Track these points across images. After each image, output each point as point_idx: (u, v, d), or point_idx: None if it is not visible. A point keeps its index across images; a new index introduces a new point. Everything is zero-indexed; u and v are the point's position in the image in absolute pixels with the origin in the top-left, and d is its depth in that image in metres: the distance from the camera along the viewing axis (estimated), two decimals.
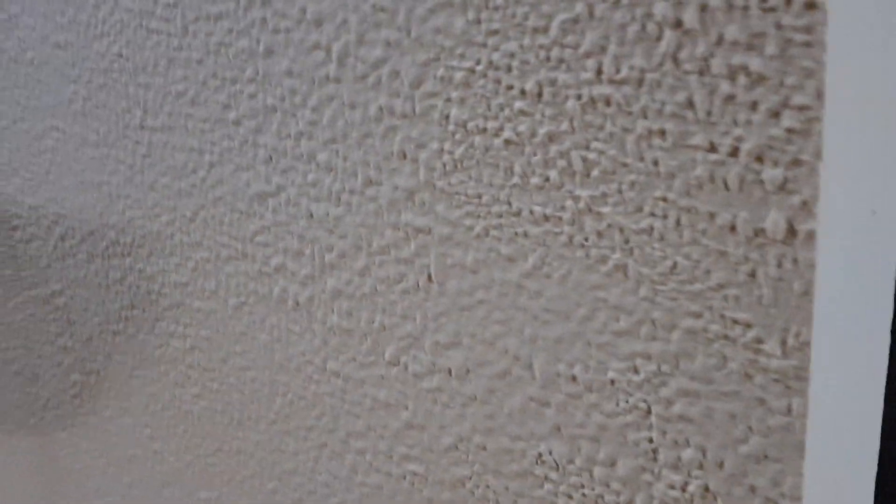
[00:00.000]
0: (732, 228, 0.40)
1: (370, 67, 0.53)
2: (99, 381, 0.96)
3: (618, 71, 0.41)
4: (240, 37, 0.60)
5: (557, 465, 0.52)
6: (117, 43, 0.70)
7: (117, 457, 0.93)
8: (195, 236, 0.72)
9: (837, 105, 0.35)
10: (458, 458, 0.58)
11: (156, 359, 0.85)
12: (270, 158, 0.62)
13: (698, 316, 0.43)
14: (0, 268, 1.04)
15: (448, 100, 0.49)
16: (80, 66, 0.76)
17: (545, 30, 0.43)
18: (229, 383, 0.77)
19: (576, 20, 0.42)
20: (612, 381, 0.48)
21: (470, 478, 0.58)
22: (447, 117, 0.50)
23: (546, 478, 0.53)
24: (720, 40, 0.38)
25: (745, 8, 0.36)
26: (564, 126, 0.44)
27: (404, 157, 0.53)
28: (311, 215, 0.61)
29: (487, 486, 0.57)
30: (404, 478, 0.63)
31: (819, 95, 0.35)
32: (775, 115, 0.37)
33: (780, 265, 0.39)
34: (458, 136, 0.50)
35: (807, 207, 0.37)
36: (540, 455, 0.53)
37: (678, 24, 0.39)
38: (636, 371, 0.46)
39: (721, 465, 0.44)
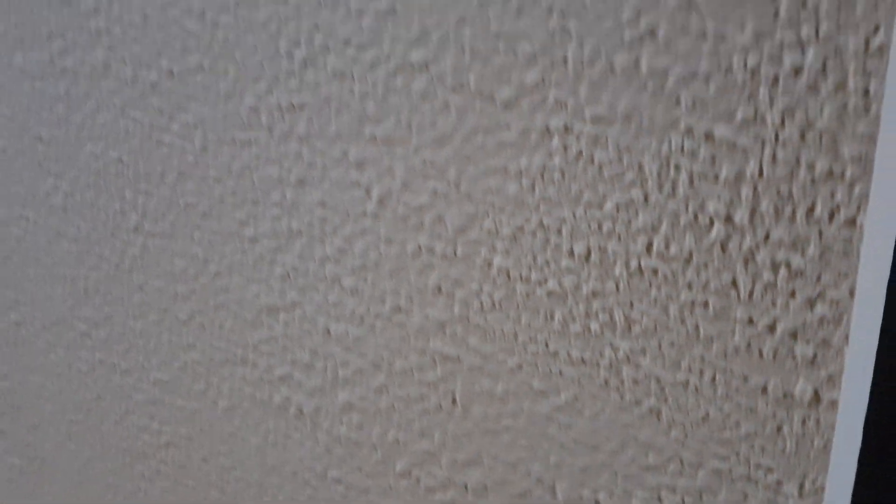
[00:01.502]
0: (764, 390, 0.47)
1: (413, 211, 0.57)
2: (43, 468, 0.93)
3: (667, 248, 0.48)
4: (268, 164, 0.63)
5: None
6: (117, 149, 0.71)
7: None
8: (187, 339, 0.73)
9: (865, 303, 0.43)
10: None
11: (120, 450, 0.84)
12: (288, 276, 0.65)
13: (725, 459, 0.49)
14: None
15: (493, 248, 0.54)
16: (65, 163, 0.75)
17: (600, 206, 0.49)
18: (208, 481, 0.77)
19: (630, 202, 0.48)
20: None
21: None
22: (490, 263, 0.55)
23: None
24: (767, 237, 0.45)
25: (793, 215, 0.44)
26: (609, 286, 0.51)
27: (439, 291, 0.58)
28: (329, 332, 0.64)
29: None
30: None
31: (851, 293, 0.43)
32: (810, 303, 0.45)
33: (804, 424, 0.46)
34: (499, 282, 0.55)
35: (832, 381, 0.45)
36: None
37: (728, 219, 0.46)
38: (660, 500, 0.53)
39: None
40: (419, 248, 0.58)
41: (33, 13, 0.72)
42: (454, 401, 0.60)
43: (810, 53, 0.41)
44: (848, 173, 0.41)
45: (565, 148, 0.49)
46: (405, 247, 0.58)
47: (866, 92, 0.40)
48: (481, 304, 0.56)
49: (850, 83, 0.40)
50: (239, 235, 0.67)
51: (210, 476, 0.77)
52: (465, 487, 0.61)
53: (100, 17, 0.68)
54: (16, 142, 0.79)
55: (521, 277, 0.54)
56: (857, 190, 0.42)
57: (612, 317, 0.51)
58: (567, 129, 0.49)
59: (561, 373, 0.54)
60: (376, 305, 0.61)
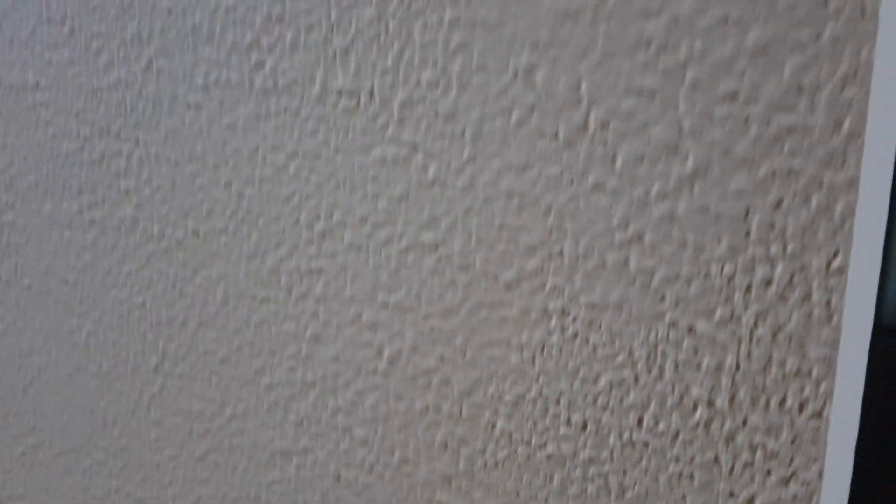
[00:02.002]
0: None
1: (421, 372, 0.62)
2: None
3: (656, 424, 0.53)
4: (286, 320, 0.68)
5: None
6: (141, 295, 0.76)
7: None
8: (202, 474, 0.77)
9: (833, 485, 0.47)
10: None
11: None
12: (301, 423, 0.69)
13: None
14: None
15: (496, 412, 0.59)
16: (90, 304, 0.80)
17: (594, 381, 0.54)
18: None
19: (622, 381, 0.53)
20: None
21: None
22: (493, 425, 0.59)
23: None
24: (745, 422, 0.50)
25: (767, 404, 0.49)
26: (605, 454, 0.55)
27: (445, 447, 0.62)
28: (339, 478, 0.68)
29: None
30: None
31: (820, 475, 0.48)
32: (785, 482, 0.49)
33: None
34: (501, 442, 0.59)
35: None
36: None
37: (710, 403, 0.51)
38: None
39: None
40: (427, 406, 0.62)
41: (64, 168, 0.78)
42: None
43: (779, 268, 0.46)
44: (815, 372, 0.47)
45: (563, 328, 0.54)
46: (413, 404, 0.63)
47: (828, 304, 0.46)
48: (485, 462, 0.60)
49: (815, 296, 0.46)
50: (255, 383, 0.71)
51: None
52: None
53: (130, 178, 0.73)
54: (42, 281, 0.83)
55: (522, 440, 0.58)
56: (822, 387, 0.47)
57: (606, 482, 0.55)
58: (564, 311, 0.54)
59: None
60: (385, 456, 0.65)
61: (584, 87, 0.50)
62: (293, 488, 0.71)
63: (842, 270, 0.45)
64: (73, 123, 0.76)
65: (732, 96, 0.45)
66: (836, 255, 0.45)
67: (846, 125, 0.43)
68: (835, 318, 0.46)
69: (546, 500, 0.58)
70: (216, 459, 0.76)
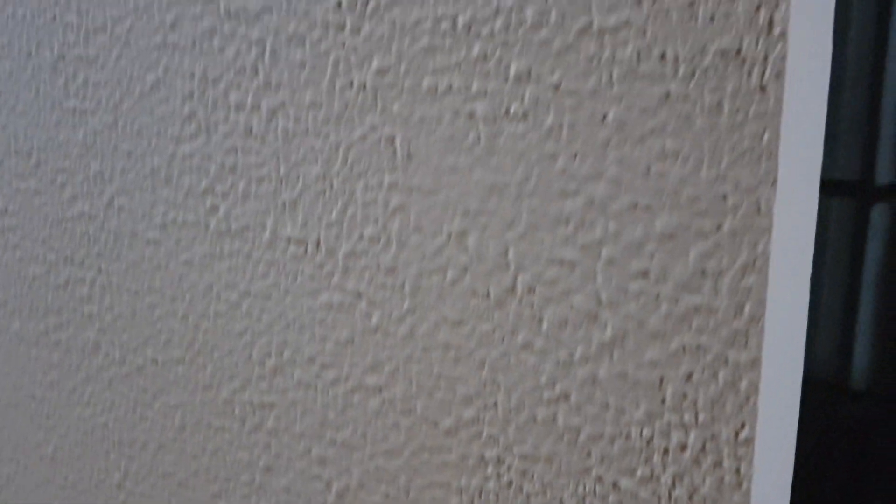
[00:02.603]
0: None
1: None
2: None
3: None
4: (240, 449, 0.69)
5: None
6: (104, 416, 0.77)
7: None
8: None
9: None
10: None
11: None
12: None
13: None
14: None
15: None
16: (56, 420, 0.82)
17: None
18: None
19: None
20: None
21: None
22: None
23: None
24: None
25: None
26: None
27: None
28: None
29: None
30: None
31: None
32: None
33: None
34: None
35: None
36: None
37: None
38: None
39: None
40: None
41: (31, 290, 0.80)
42: None
43: (692, 435, 0.49)
44: None
45: (498, 475, 0.56)
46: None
47: (738, 471, 0.48)
48: None
49: (725, 463, 0.48)
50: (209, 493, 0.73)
51: None
52: None
53: (93, 303, 0.75)
54: (10, 395, 0.85)
55: None
56: None
57: None
58: (499, 460, 0.56)
59: None
60: None
61: (511, 253, 0.53)
62: None
63: (749, 442, 0.47)
64: (39, 249, 0.78)
65: (644, 274, 0.48)
66: (742, 427, 0.47)
67: (747, 309, 0.45)
68: (744, 485, 0.48)
69: None
70: None
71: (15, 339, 0.83)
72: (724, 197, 0.45)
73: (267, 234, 0.64)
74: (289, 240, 0.63)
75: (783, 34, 0.43)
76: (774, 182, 0.44)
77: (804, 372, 0.57)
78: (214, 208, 0.66)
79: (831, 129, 0.55)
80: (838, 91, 0.55)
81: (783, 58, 0.43)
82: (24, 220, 0.78)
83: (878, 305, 0.54)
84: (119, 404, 0.76)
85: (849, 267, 0.55)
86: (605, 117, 0.48)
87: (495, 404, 0.56)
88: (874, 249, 0.55)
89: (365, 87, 0.57)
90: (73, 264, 0.76)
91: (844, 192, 0.55)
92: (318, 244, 0.61)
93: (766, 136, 0.44)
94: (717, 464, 0.48)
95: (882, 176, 0.54)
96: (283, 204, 0.62)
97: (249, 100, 0.62)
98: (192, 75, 0.64)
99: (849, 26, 0.54)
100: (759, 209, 0.44)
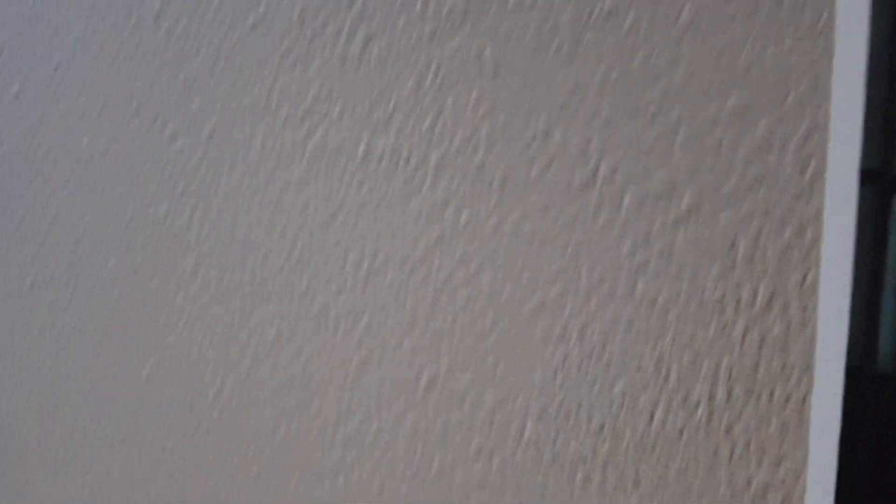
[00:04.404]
0: None
1: (456, 391, 0.69)
2: None
3: (665, 422, 0.60)
4: (333, 351, 0.75)
5: None
6: (199, 337, 0.83)
7: None
8: (253, 497, 0.83)
9: (818, 467, 0.55)
10: None
11: None
12: (348, 442, 0.76)
13: None
14: None
15: (524, 422, 0.66)
16: (153, 346, 0.87)
17: (610, 389, 0.62)
18: None
19: (633, 388, 0.61)
20: None
21: None
22: (521, 434, 0.67)
23: None
24: (740, 415, 0.57)
25: (758, 399, 0.56)
26: (620, 452, 0.62)
27: (479, 455, 0.69)
28: (382, 490, 0.75)
29: None
30: None
31: (805, 459, 0.55)
32: (776, 464, 0.57)
33: None
34: (529, 448, 0.66)
35: None
36: None
37: (711, 400, 0.58)
38: None
39: None
40: (461, 420, 0.69)
41: (129, 226, 0.85)
42: None
43: (762, 286, 0.55)
44: (797, 369, 0.54)
45: (581, 346, 0.62)
46: (450, 419, 0.70)
47: (804, 312, 0.54)
48: (515, 466, 0.67)
49: (792, 308, 0.54)
50: (306, 408, 0.78)
51: None
52: None
53: (191, 232, 0.81)
54: (105, 327, 0.90)
55: (547, 445, 0.65)
56: (804, 382, 0.54)
57: (623, 476, 0.62)
58: (582, 332, 0.62)
59: None
60: (425, 467, 0.72)
61: (593, 144, 0.59)
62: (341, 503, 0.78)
63: (813, 286, 0.53)
64: (139, 187, 0.83)
65: (717, 147, 0.54)
66: (808, 273, 0.53)
67: (811, 168, 0.51)
68: (810, 325, 0.54)
69: (571, 494, 0.65)
70: (267, 482, 0.82)
71: (111, 275, 0.88)
72: (788, 74, 0.51)
73: (361, 151, 0.69)
74: (381, 155, 0.68)
75: None
76: (831, 58, 0.50)
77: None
78: (311, 133, 0.72)
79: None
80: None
81: None
82: (124, 161, 0.84)
83: None
84: (215, 324, 0.81)
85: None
86: (680, 12, 0.54)
87: (577, 282, 0.61)
88: None
89: (455, 8, 0.63)
90: (173, 197, 0.81)
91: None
92: (409, 156, 0.67)
93: (823, 18, 0.50)
94: (785, 309, 0.54)
95: None
96: (376, 122, 0.68)
97: (346, 29, 0.68)
98: (291, 11, 0.70)
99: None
100: (817, 84, 0.51)
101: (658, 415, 0.60)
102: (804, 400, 0.55)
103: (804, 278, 0.53)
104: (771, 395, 0.56)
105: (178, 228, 0.81)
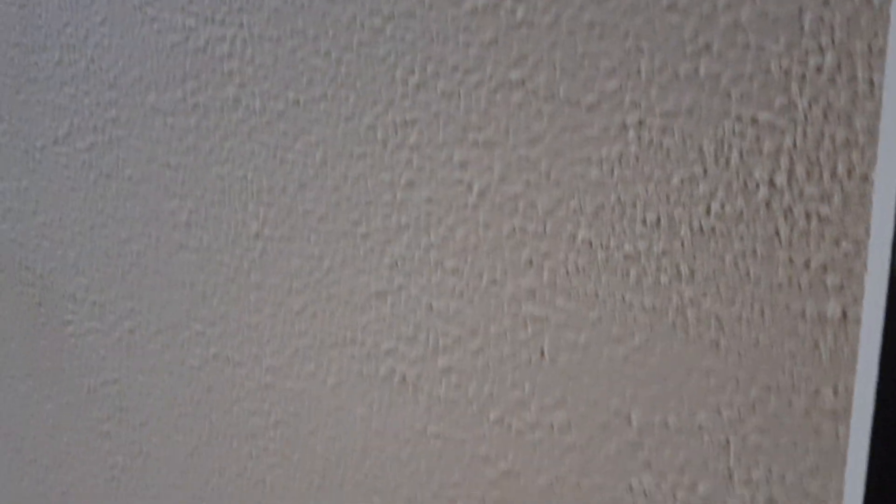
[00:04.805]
0: (802, 315, 0.59)
1: (508, 199, 0.69)
2: (147, 462, 1.01)
3: (723, 209, 0.60)
4: (382, 171, 0.74)
5: (646, 492, 0.68)
6: (242, 168, 0.82)
7: None
8: (300, 327, 0.84)
9: (878, 238, 0.55)
10: (552, 494, 0.72)
11: (228, 436, 0.93)
12: (396, 264, 0.76)
13: (773, 374, 0.61)
14: (41, 361, 1.08)
15: (577, 224, 0.66)
16: (192, 184, 0.86)
17: (667, 181, 0.62)
18: (314, 453, 0.87)
19: (692, 176, 0.61)
20: (700, 426, 0.64)
21: None
22: (574, 236, 0.67)
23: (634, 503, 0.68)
24: (801, 194, 0.57)
25: (820, 176, 0.56)
26: (676, 245, 0.62)
27: (531, 264, 0.69)
28: (431, 307, 0.75)
29: None
30: None
31: (867, 232, 0.55)
32: (836, 242, 0.57)
33: (835, 339, 0.58)
34: (582, 250, 0.66)
35: (856, 301, 0.57)
36: (630, 486, 0.69)
37: (771, 182, 0.58)
38: (720, 413, 0.64)
39: (783, 477, 0.62)
40: (514, 229, 0.69)
41: (168, 59, 0.84)
42: (542, 354, 0.71)
43: (828, 55, 0.54)
44: (860, 140, 0.54)
45: (639, 138, 0.62)
46: (501, 229, 0.70)
47: (871, 80, 0.53)
48: (567, 270, 0.67)
49: (859, 75, 0.53)
50: (352, 233, 0.78)
51: (316, 448, 0.86)
52: (552, 427, 0.71)
53: (233, 59, 0.80)
54: (143, 170, 0.90)
55: (601, 245, 0.65)
56: (867, 153, 0.54)
57: (678, 269, 0.63)
58: (640, 123, 0.62)
59: (635, 320, 0.65)
60: (474, 281, 0.72)
61: None
62: (387, 325, 0.78)
63: (882, 51, 0.52)
64: (178, 17, 0.82)
65: None
66: (875, 36, 0.52)
67: None
68: (876, 93, 0.53)
69: (623, 295, 0.65)
70: (314, 310, 0.82)
71: (150, 112, 0.88)
72: None
73: None
74: None
75: None
76: None
77: None
78: None
79: None
80: None
81: None
82: None
83: None
84: (258, 153, 0.81)
85: None
86: None
87: (638, 70, 0.61)
88: None
89: None
90: (213, 24, 0.80)
91: None
92: None
93: None
94: (852, 77, 0.54)
95: None
96: None
97: None
98: None
99: None
100: None
101: (716, 202, 0.60)
102: (867, 175, 0.55)
103: (870, 46, 0.53)
104: (833, 170, 0.56)
105: (218, 59, 0.80)
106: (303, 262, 0.81)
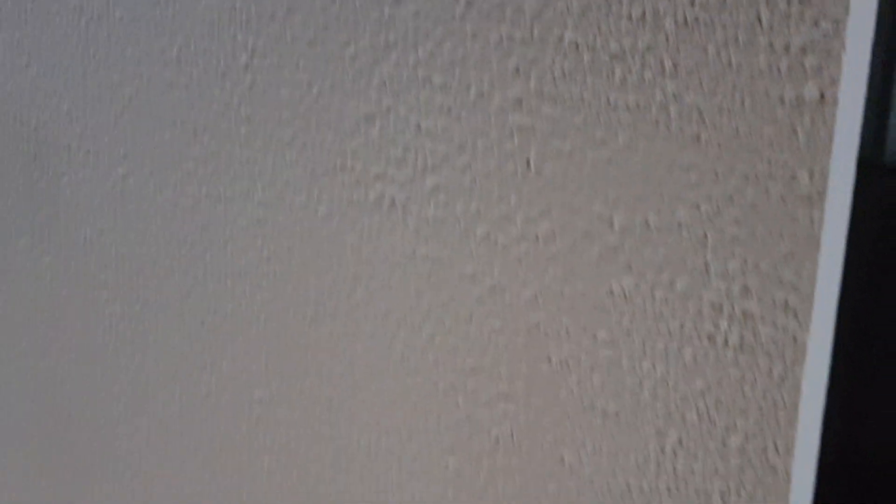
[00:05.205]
0: (781, 100, 0.60)
1: (496, 6, 0.69)
2: (145, 310, 1.03)
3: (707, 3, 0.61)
4: None
5: (625, 294, 0.70)
6: None
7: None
8: (290, 157, 0.85)
9: (858, 14, 0.55)
10: (536, 306, 0.74)
11: (222, 275, 0.95)
12: (384, 84, 0.77)
13: (751, 163, 0.62)
14: (37, 215, 1.09)
15: (564, 25, 0.67)
16: (181, 18, 0.86)
17: None
18: (306, 284, 0.89)
19: None
20: (679, 223, 0.66)
21: (543, 322, 0.74)
22: (561, 39, 0.67)
23: (615, 307, 0.70)
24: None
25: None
26: (661, 39, 0.63)
27: (518, 73, 0.70)
28: (419, 127, 0.76)
29: (560, 324, 0.73)
30: (483, 335, 0.78)
31: (846, 9, 0.56)
32: (816, 22, 0.57)
33: (812, 121, 0.59)
34: (569, 53, 0.67)
35: (833, 83, 0.58)
36: (611, 290, 0.71)
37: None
38: (698, 209, 0.65)
39: (758, 266, 0.64)
40: (501, 37, 0.70)
41: None
42: (528, 165, 0.72)
43: None
44: None
45: None
46: (488, 38, 0.70)
47: None
48: (553, 76, 0.68)
49: None
50: (340, 56, 0.78)
51: (308, 280, 0.88)
52: (537, 238, 0.73)
53: None
54: (132, 9, 0.90)
55: (587, 46, 0.66)
56: None
57: (662, 64, 0.63)
58: None
59: (619, 121, 0.66)
60: (462, 95, 0.73)
61: None
62: (376, 149, 0.79)
63: None
64: None
65: None
66: None
67: None
68: None
69: (607, 96, 0.66)
70: (304, 140, 0.83)
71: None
72: None
73: None
74: None
75: None
76: None
77: None
78: None
79: None
80: None
81: None
82: None
83: None
84: None
85: None
86: None
87: None
88: None
89: None
90: None
91: None
92: None
93: None
94: None
95: None
96: None
97: None
98: None
99: None
100: None
101: None
102: None
103: None
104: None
105: None
106: (292, 90, 0.82)
